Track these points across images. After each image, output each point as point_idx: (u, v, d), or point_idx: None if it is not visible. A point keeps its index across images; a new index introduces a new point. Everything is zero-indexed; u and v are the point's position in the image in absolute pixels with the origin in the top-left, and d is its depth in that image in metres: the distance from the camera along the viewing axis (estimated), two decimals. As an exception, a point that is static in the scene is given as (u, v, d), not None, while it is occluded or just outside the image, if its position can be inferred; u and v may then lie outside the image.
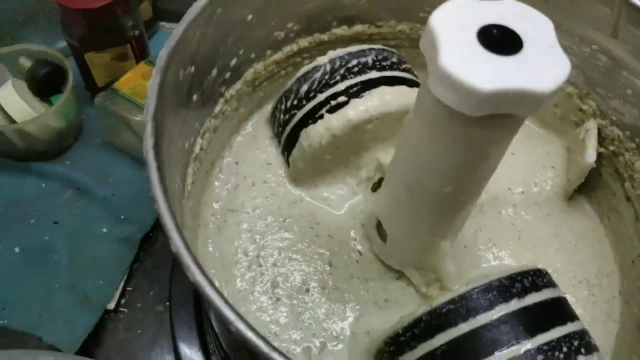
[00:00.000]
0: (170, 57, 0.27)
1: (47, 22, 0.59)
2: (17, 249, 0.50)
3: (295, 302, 0.35)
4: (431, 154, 0.27)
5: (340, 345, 0.34)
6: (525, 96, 0.23)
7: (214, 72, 0.34)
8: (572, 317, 0.30)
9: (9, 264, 0.49)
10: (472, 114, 0.24)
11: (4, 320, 0.46)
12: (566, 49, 0.24)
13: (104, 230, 0.51)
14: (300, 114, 0.37)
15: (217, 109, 0.36)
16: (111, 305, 0.48)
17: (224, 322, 0.22)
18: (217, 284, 0.35)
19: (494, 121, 0.25)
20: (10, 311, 0.46)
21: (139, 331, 0.48)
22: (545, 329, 0.28)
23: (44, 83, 0.53)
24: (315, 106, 0.36)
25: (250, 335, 0.21)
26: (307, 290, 0.36)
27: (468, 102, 0.23)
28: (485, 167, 0.28)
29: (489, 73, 0.23)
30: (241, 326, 0.21)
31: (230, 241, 0.37)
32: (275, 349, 0.21)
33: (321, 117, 0.36)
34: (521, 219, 0.39)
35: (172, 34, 0.28)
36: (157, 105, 0.26)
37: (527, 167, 0.41)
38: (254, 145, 0.41)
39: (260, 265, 0.37)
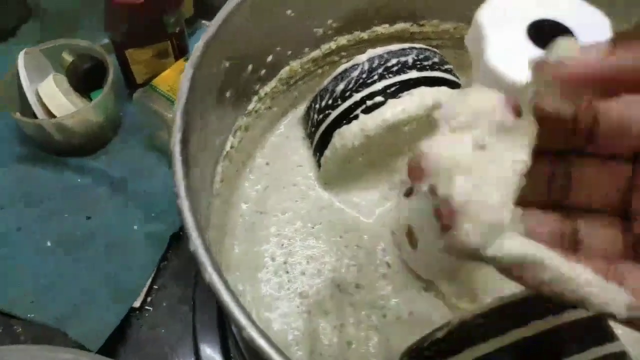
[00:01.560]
0: (205, 50, 0.26)
1: (91, 20, 0.60)
2: (49, 243, 0.50)
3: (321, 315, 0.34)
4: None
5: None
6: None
7: (249, 68, 0.33)
8: (611, 336, 0.27)
9: (40, 258, 0.49)
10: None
11: (32, 315, 0.46)
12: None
13: (135, 227, 0.50)
14: (334, 113, 0.36)
15: (251, 106, 0.36)
16: (137, 304, 0.47)
17: (237, 327, 0.20)
18: (240, 287, 0.34)
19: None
20: (38, 305, 0.46)
21: (163, 331, 0.47)
22: (581, 349, 0.26)
23: (85, 78, 0.53)
24: (350, 106, 0.35)
25: (261, 343, 0.20)
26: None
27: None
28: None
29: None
30: (253, 333, 0.20)
31: (257, 244, 0.36)
32: (288, 358, 0.19)
33: (356, 117, 0.34)
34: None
35: (208, 26, 0.27)
36: (188, 98, 0.25)
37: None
38: (286, 146, 0.40)
39: (287, 272, 0.35)
